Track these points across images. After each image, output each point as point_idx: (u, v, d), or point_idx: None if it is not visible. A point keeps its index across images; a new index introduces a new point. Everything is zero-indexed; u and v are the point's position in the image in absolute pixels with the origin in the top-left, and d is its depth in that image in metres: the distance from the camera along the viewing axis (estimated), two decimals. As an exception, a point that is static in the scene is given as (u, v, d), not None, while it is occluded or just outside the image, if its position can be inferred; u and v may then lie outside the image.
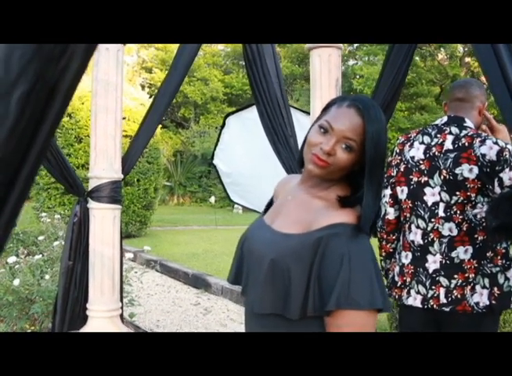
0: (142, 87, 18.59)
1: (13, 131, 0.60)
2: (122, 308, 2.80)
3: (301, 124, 3.05)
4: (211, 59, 23.35)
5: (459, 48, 21.91)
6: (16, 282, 3.74)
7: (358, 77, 20.61)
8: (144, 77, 22.38)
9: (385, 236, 2.50)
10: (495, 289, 2.16)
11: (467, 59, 21.75)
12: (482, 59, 2.27)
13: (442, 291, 2.22)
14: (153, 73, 22.38)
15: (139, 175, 10.21)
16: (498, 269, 2.18)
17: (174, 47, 23.75)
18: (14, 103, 0.57)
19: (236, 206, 15.11)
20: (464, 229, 2.19)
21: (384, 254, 2.55)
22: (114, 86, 2.64)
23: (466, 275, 2.18)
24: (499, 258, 2.19)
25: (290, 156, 2.83)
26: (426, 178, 2.27)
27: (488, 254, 2.18)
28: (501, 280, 2.17)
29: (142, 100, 11.18)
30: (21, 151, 0.62)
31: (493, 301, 2.16)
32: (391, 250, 2.49)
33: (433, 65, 21.11)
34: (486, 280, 2.17)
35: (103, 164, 2.66)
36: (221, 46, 24.58)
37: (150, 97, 12.78)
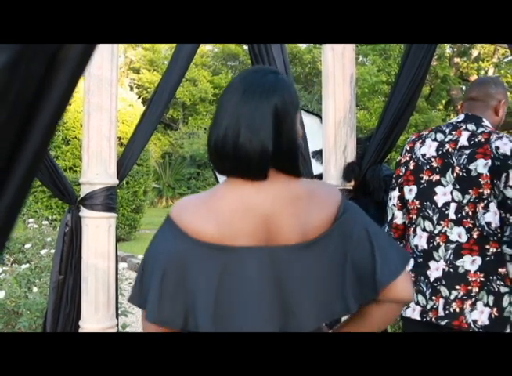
0: (131, 88, 18.35)
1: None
2: (118, 325, 2.57)
3: (306, 125, 2.86)
4: (200, 60, 23.13)
5: (448, 48, 21.91)
6: (2, 294, 3.52)
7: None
8: (132, 78, 22.09)
9: None
10: (495, 310, 1.94)
11: (456, 60, 21.76)
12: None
13: (441, 302, 2.00)
14: (141, 73, 22.12)
15: (128, 178, 10.01)
16: (507, 289, 1.95)
17: (162, 47, 23.54)
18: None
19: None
20: (475, 236, 1.97)
21: None
22: (109, 82, 2.40)
23: (469, 288, 1.96)
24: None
25: (300, 158, 2.62)
26: (438, 177, 2.07)
27: (500, 271, 1.95)
28: (505, 302, 1.94)
29: (130, 101, 10.99)
30: (7, 148, 0.40)
31: (487, 322, 1.94)
32: None
33: (423, 65, 21.05)
34: (491, 298, 1.94)
35: (97, 169, 2.42)
36: (209, 46, 24.40)
37: (139, 98, 12.57)
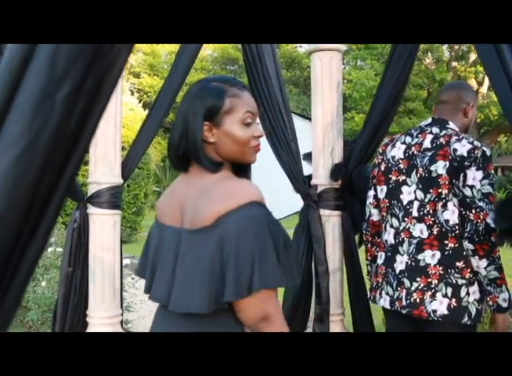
0: (131, 92, 18.51)
1: (57, 134, 0.58)
2: (122, 314, 2.76)
3: (300, 129, 3.03)
4: (199, 64, 23.29)
5: (446, 52, 22.07)
6: (11, 289, 3.68)
7: (346, 81, 20.68)
8: (132, 83, 22.25)
9: (370, 239, 2.48)
10: (454, 300, 2.09)
11: (454, 64, 21.93)
12: (485, 58, 2.27)
13: (404, 292, 2.18)
14: (141, 78, 22.28)
15: (129, 181, 10.17)
16: (464, 281, 2.11)
17: (162, 52, 23.73)
18: (59, 102, 0.55)
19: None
20: (435, 232, 2.14)
21: (369, 257, 2.52)
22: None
23: (429, 280, 2.13)
24: (468, 270, 2.11)
25: (292, 160, 2.81)
26: (404, 177, 2.25)
27: (458, 264, 2.12)
28: (463, 293, 2.10)
29: (131, 105, 11.15)
30: (65, 154, 0.59)
31: (446, 312, 2.09)
32: (376, 253, 2.44)
33: (420, 69, 21.24)
34: (449, 290, 2.10)
35: (103, 169, 2.63)
36: (209, 51, 24.56)
37: (139, 102, 12.73)
